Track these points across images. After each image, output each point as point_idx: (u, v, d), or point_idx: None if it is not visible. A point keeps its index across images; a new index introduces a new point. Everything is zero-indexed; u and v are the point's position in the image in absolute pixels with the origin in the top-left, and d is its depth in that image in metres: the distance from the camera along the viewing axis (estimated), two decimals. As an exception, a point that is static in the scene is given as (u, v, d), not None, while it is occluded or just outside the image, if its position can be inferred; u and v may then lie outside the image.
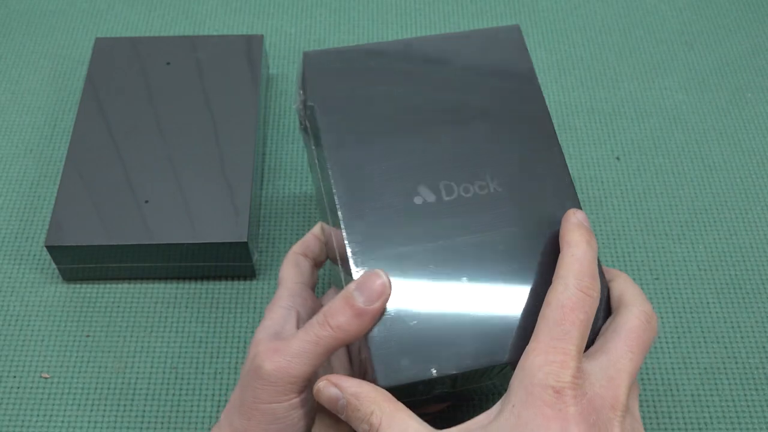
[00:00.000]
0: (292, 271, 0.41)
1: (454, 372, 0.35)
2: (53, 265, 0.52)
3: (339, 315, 0.34)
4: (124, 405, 0.46)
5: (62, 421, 0.46)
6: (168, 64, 0.57)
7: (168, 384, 0.47)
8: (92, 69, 0.57)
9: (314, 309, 0.41)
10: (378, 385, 0.34)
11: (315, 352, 0.34)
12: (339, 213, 0.37)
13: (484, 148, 0.40)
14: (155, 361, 0.48)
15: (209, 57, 0.57)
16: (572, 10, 0.67)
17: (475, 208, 0.38)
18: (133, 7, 0.67)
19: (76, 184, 0.51)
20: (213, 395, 0.47)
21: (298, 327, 0.38)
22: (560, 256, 0.35)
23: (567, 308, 0.33)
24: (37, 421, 0.46)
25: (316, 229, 0.43)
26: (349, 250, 0.36)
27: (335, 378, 0.35)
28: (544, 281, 0.36)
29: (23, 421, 0.46)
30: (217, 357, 0.48)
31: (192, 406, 0.46)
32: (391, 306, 0.35)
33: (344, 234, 0.37)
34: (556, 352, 0.32)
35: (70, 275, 0.51)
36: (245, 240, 0.48)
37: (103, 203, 0.50)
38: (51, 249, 0.48)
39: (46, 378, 0.47)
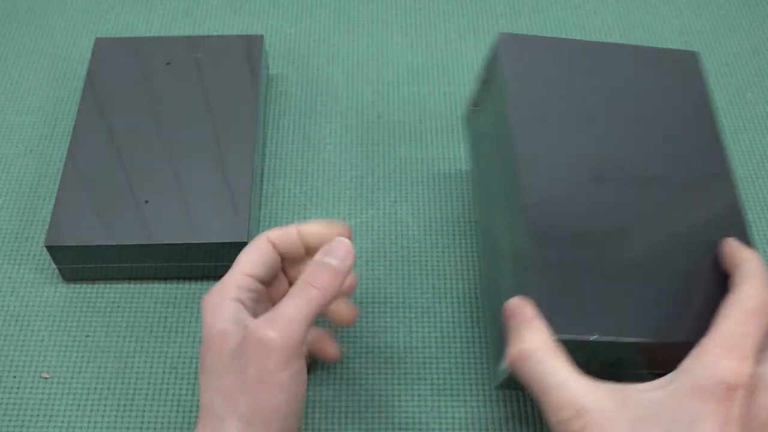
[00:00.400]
0: (247, 259, 0.41)
1: (613, 340, 0.36)
2: (53, 265, 0.52)
3: (320, 277, 0.38)
4: (124, 405, 0.46)
5: (62, 421, 0.46)
6: (168, 64, 0.57)
7: (168, 384, 0.47)
8: (92, 69, 0.57)
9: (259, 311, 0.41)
10: None
11: (307, 314, 0.37)
12: (519, 185, 0.41)
13: (655, 152, 0.43)
14: (155, 361, 0.48)
15: (209, 57, 0.57)
16: (572, 10, 0.67)
17: (646, 199, 0.41)
18: (133, 7, 0.67)
19: (76, 184, 0.51)
20: (213, 395, 0.47)
21: (251, 317, 0.39)
22: (743, 265, 0.37)
23: (751, 312, 0.34)
24: (37, 422, 0.46)
25: (310, 228, 0.42)
26: (526, 225, 0.39)
27: (522, 302, 0.37)
28: (711, 277, 0.39)
29: (23, 421, 0.46)
30: (217, 357, 0.48)
31: (192, 406, 0.46)
32: (563, 271, 0.38)
33: (524, 208, 0.40)
34: (736, 349, 0.33)
35: (70, 275, 0.51)
36: (245, 240, 0.48)
37: (103, 203, 0.50)
38: (51, 249, 0.48)
39: (46, 378, 0.47)
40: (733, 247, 0.39)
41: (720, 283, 0.38)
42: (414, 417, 0.46)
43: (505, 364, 0.39)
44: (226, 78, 0.56)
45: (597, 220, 0.40)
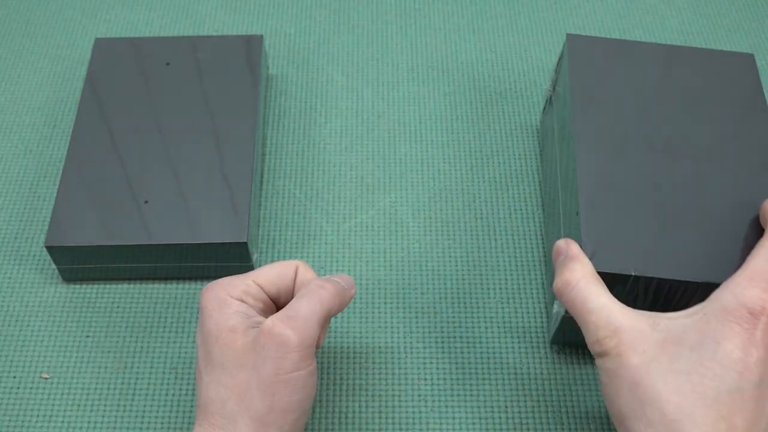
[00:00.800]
0: (269, 273, 0.41)
1: (651, 276, 0.41)
2: (53, 266, 0.52)
3: (330, 285, 0.40)
4: (124, 405, 0.46)
5: (62, 421, 0.46)
6: (168, 64, 0.57)
7: (168, 384, 0.47)
8: (92, 69, 0.57)
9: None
10: None
11: (321, 314, 0.38)
12: (575, 151, 0.46)
13: (707, 133, 0.47)
14: (155, 361, 0.48)
15: (209, 57, 0.57)
16: (572, 10, 0.67)
17: (694, 166, 0.45)
18: (133, 8, 0.67)
19: (75, 184, 0.51)
20: (213, 395, 0.47)
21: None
22: None
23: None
24: (37, 422, 0.46)
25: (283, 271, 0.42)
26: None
27: (570, 241, 0.41)
28: (745, 227, 0.43)
29: (23, 421, 0.46)
30: (217, 357, 0.48)
31: (192, 406, 0.46)
32: (610, 211, 0.43)
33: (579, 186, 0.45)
34: (763, 281, 0.35)
35: (69, 275, 0.51)
36: (245, 240, 0.48)
37: (103, 203, 0.50)
38: (51, 249, 0.48)
39: (46, 378, 0.47)
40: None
41: (754, 232, 0.42)
42: (414, 417, 0.46)
43: (557, 307, 0.44)
44: (226, 78, 0.56)
45: (644, 179, 0.45)
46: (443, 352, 0.48)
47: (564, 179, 0.48)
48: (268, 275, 0.41)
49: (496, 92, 0.61)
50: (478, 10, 0.68)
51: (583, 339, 0.39)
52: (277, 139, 0.59)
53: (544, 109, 0.56)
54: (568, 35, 0.51)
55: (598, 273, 0.40)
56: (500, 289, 0.51)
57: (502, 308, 0.50)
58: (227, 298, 0.39)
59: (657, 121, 0.47)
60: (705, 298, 0.38)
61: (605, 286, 0.39)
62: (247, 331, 0.38)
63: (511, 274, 0.51)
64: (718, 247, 0.42)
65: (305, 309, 0.38)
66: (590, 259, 0.41)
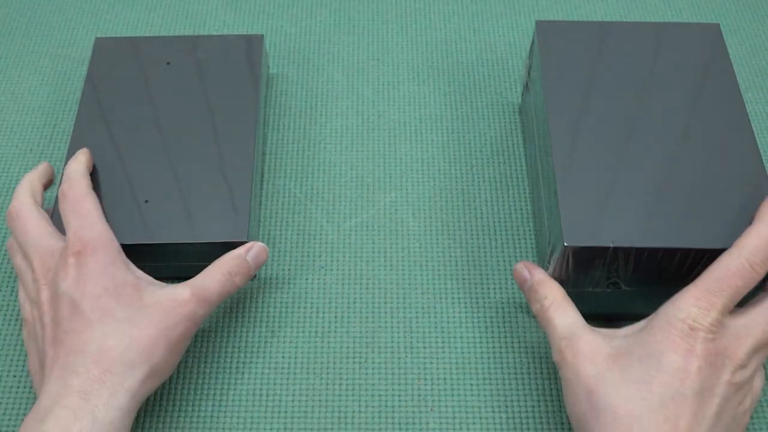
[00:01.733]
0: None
1: (628, 246, 0.43)
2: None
3: (240, 263, 0.47)
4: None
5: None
6: (168, 63, 0.57)
7: (168, 384, 0.47)
8: (92, 69, 0.56)
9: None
10: (564, 245, 0.43)
11: (227, 286, 0.46)
12: (549, 130, 0.48)
13: (678, 107, 0.49)
14: (155, 360, 0.48)
15: (209, 57, 0.57)
16: (572, 10, 0.67)
17: (666, 141, 0.47)
18: (134, 7, 0.67)
19: None
20: (213, 395, 0.47)
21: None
22: (749, 227, 0.41)
23: (730, 272, 0.39)
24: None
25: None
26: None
27: (529, 265, 0.46)
28: (722, 192, 0.45)
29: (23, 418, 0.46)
30: (217, 356, 0.48)
31: (192, 406, 0.46)
32: (587, 187, 0.45)
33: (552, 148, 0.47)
34: (705, 300, 0.39)
35: None
36: (245, 240, 0.48)
37: (103, 203, 0.50)
38: None
39: None
40: (763, 205, 0.43)
41: (725, 198, 0.45)
42: (414, 417, 0.46)
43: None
44: (227, 78, 0.56)
45: (617, 155, 0.47)
46: (443, 352, 0.48)
47: (543, 159, 0.50)
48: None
49: (496, 92, 0.61)
50: (478, 10, 0.68)
51: None
52: (278, 138, 0.59)
53: (522, 94, 0.58)
54: (538, 22, 0.53)
55: (578, 248, 0.43)
56: (500, 289, 0.51)
57: (502, 308, 0.50)
58: (117, 256, 0.44)
59: (627, 98, 0.49)
60: (683, 264, 0.43)
61: (573, 306, 0.43)
62: (149, 288, 0.43)
63: (511, 274, 0.51)
64: (691, 215, 0.44)
65: (214, 286, 0.44)
66: (568, 234, 0.43)
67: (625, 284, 0.45)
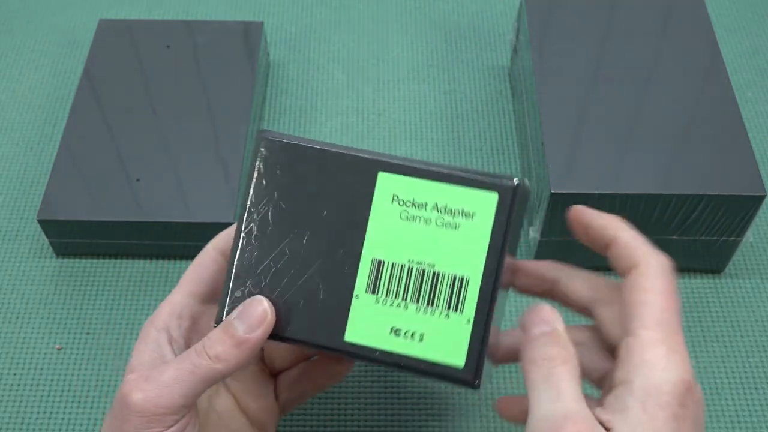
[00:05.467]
0: (193, 275, 0.36)
1: (613, 192, 0.45)
2: (54, 262, 0.52)
3: (218, 344, 0.32)
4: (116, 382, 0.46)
5: (62, 419, 0.46)
6: (168, 47, 0.57)
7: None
8: (93, 50, 0.57)
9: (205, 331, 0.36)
10: (551, 192, 0.45)
11: (190, 383, 0.32)
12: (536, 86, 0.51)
13: (657, 58, 0.52)
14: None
15: (209, 41, 0.58)
16: None
17: (646, 91, 0.50)
18: (134, 4, 0.68)
19: (70, 160, 0.51)
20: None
21: (174, 352, 0.35)
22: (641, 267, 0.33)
23: (667, 293, 0.31)
24: (36, 419, 0.46)
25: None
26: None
27: (549, 309, 0.32)
28: (698, 140, 0.48)
29: (23, 419, 0.46)
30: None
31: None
32: (572, 138, 0.48)
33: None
34: (677, 344, 0.30)
35: (61, 250, 0.52)
36: (232, 221, 0.48)
37: (96, 180, 0.50)
38: (43, 222, 0.49)
39: (59, 349, 0.48)
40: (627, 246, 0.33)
41: (701, 145, 0.48)
42: (414, 417, 0.46)
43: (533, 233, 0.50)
44: (225, 62, 0.57)
45: (600, 107, 0.49)
46: (443, 351, 0.48)
47: (531, 116, 0.52)
48: (191, 277, 0.36)
49: (496, 90, 0.61)
50: (478, 9, 0.68)
51: None
52: (275, 119, 0.57)
53: (511, 57, 0.61)
54: None
55: (565, 194, 0.45)
56: (500, 287, 0.51)
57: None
58: (149, 332, 0.35)
59: (609, 53, 0.52)
60: (665, 210, 0.46)
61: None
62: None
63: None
64: (671, 162, 0.47)
65: (169, 375, 0.32)
66: (555, 181, 0.45)
67: None
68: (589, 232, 0.35)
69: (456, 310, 0.32)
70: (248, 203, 0.34)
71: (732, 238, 0.48)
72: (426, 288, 0.32)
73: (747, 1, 0.68)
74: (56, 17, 0.67)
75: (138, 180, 0.50)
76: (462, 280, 0.32)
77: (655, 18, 0.54)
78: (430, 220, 0.32)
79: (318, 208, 0.33)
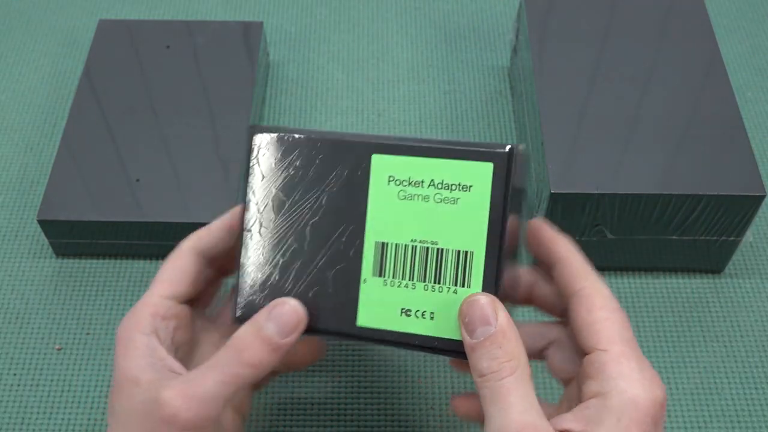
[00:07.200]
0: (170, 276, 0.35)
1: (613, 192, 0.45)
2: (55, 263, 0.52)
3: (256, 352, 0.32)
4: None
5: (62, 419, 0.46)
6: (168, 47, 0.57)
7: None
8: (93, 50, 0.57)
9: (185, 329, 0.36)
10: (551, 192, 0.45)
11: (231, 392, 0.32)
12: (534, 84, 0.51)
13: (656, 57, 0.52)
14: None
15: (209, 41, 0.58)
16: None
17: (644, 91, 0.50)
18: (134, 6, 0.68)
19: (70, 160, 0.51)
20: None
21: (168, 350, 0.34)
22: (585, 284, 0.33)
23: (621, 311, 0.32)
24: (36, 418, 0.46)
25: (232, 215, 0.36)
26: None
27: (493, 300, 0.31)
28: (698, 140, 0.48)
29: (23, 418, 0.46)
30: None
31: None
32: (572, 138, 0.47)
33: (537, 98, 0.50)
34: (644, 360, 0.31)
35: (61, 250, 0.52)
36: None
37: (96, 180, 0.50)
38: (43, 223, 0.49)
39: (59, 350, 0.48)
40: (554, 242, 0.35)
41: (701, 145, 0.47)
42: (414, 417, 0.46)
43: None
44: (225, 62, 0.57)
45: (599, 108, 0.49)
46: (443, 351, 0.48)
47: (530, 116, 0.52)
48: (167, 277, 0.35)
49: (496, 91, 0.61)
50: (478, 9, 0.68)
51: None
52: (275, 119, 0.58)
53: (511, 57, 0.61)
54: None
55: (564, 194, 0.45)
56: (500, 287, 0.51)
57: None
58: (133, 336, 0.33)
59: (609, 53, 0.52)
60: (664, 211, 0.45)
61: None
62: (151, 384, 0.32)
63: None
64: (671, 162, 0.46)
65: (211, 389, 0.31)
66: (555, 181, 0.45)
67: (610, 232, 0.47)
68: (540, 248, 0.36)
69: (463, 285, 0.32)
70: (248, 199, 0.34)
71: (732, 238, 0.48)
72: (431, 266, 0.32)
73: (747, 1, 0.68)
74: (56, 17, 0.67)
75: (138, 180, 0.50)
76: (467, 254, 0.32)
77: (655, 18, 0.54)
78: (429, 197, 0.32)
79: (317, 197, 0.33)
